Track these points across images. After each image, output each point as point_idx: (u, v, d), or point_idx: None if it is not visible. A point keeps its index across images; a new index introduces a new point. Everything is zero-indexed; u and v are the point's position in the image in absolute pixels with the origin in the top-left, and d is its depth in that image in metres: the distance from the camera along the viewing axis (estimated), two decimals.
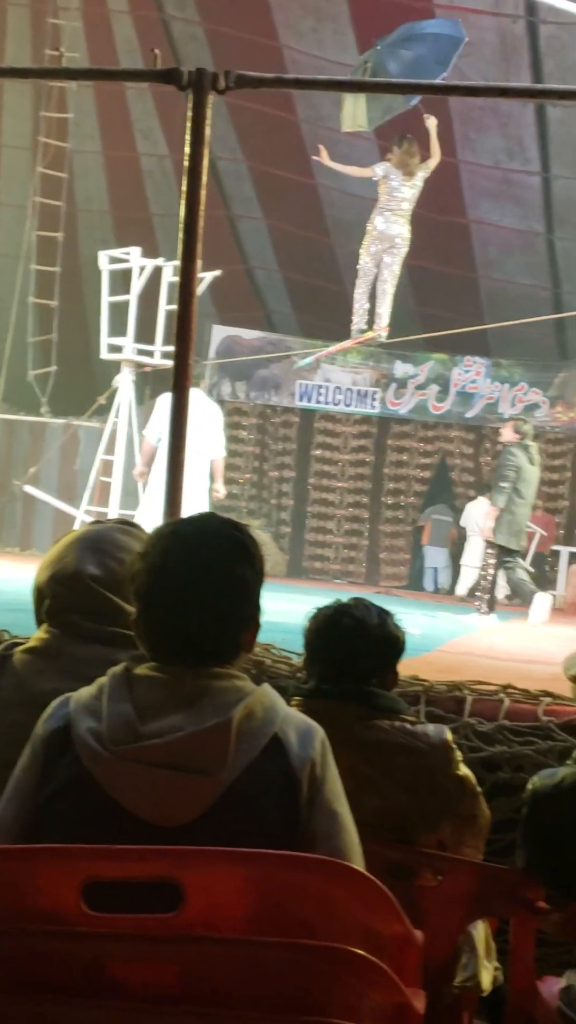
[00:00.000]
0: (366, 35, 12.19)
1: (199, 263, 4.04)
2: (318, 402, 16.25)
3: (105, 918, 1.53)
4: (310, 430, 16.53)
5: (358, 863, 1.76)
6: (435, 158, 9.95)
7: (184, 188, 3.84)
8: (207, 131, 3.92)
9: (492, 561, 9.55)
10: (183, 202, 3.86)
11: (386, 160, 10.00)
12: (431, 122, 9.82)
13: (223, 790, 1.66)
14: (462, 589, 14.66)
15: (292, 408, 16.45)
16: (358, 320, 10.36)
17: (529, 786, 2.49)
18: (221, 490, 9.16)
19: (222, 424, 9.28)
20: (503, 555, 9.41)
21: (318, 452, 16.52)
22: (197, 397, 9.02)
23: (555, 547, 15.21)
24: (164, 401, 8.82)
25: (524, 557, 9.96)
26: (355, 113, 8.95)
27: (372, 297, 10.57)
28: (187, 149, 3.85)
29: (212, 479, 9.01)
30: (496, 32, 11.94)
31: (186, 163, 3.85)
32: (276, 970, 1.51)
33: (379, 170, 9.92)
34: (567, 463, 15.89)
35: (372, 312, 10.56)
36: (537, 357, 15.62)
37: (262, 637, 4.17)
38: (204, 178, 3.87)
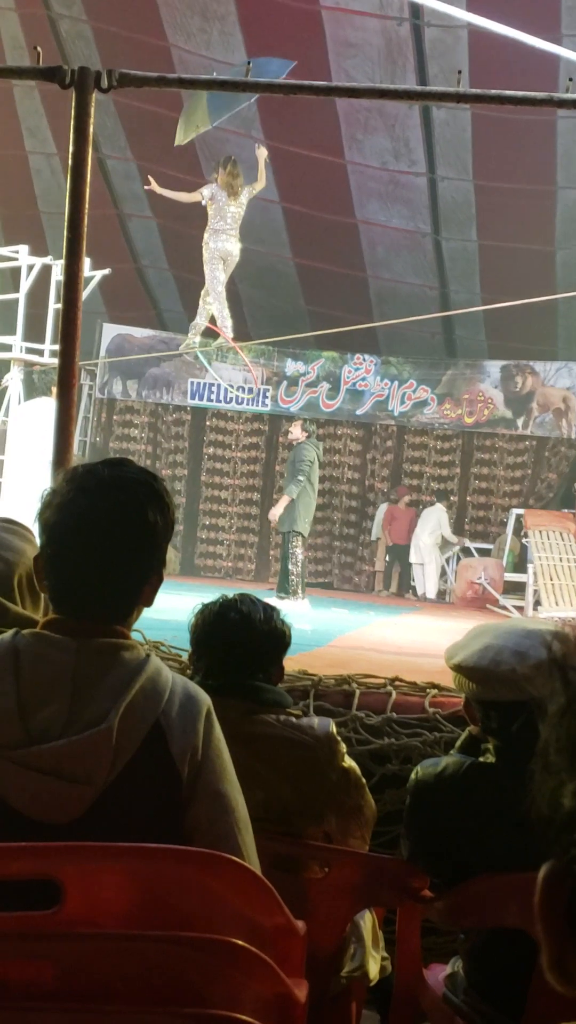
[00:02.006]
0: (254, 35, 12.26)
1: (87, 261, 4.02)
2: (209, 400, 16.25)
3: None
4: (202, 428, 16.52)
5: (247, 844, 1.76)
6: (260, 183, 10.58)
7: (68, 188, 3.82)
8: (91, 129, 3.90)
9: (297, 548, 10.37)
10: (67, 200, 3.84)
11: (211, 182, 10.48)
12: (261, 152, 10.53)
13: (102, 791, 1.68)
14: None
15: (184, 406, 16.42)
16: (199, 321, 11.11)
17: (412, 776, 2.52)
18: None
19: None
20: (298, 541, 10.36)
21: (210, 450, 16.53)
22: (43, 404, 9.48)
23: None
24: (19, 413, 9.40)
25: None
26: (187, 124, 9.19)
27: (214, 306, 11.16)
28: (71, 147, 3.83)
29: None
30: (381, 35, 12.07)
31: (70, 161, 3.83)
32: (156, 963, 1.52)
33: (206, 192, 10.45)
34: (455, 459, 16.16)
35: (200, 317, 11.30)
36: (425, 355, 15.86)
37: (152, 635, 4.18)
38: (88, 176, 3.85)
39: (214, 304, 10.89)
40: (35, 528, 1.90)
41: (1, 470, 11.19)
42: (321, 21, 12.04)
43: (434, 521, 15.16)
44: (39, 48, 4.04)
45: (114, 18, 12.98)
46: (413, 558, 15.10)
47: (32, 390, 13.29)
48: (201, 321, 11.22)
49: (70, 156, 3.84)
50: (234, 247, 10.50)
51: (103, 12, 13.03)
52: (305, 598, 10.35)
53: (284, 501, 10.44)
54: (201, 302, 11.13)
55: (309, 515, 10.55)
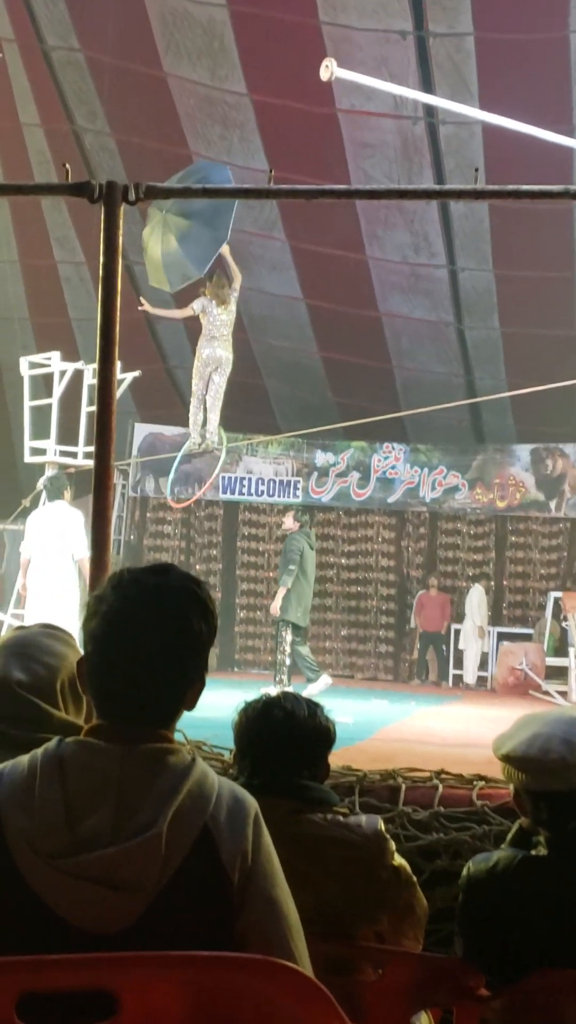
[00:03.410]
0: (272, 141, 12.62)
1: (118, 365, 4.11)
2: (241, 494, 16.36)
3: None
4: (235, 522, 16.60)
5: (299, 950, 1.74)
6: (237, 279, 10.88)
7: (100, 296, 3.92)
8: (120, 241, 4.02)
9: (287, 637, 10.61)
10: (100, 310, 3.94)
11: (201, 295, 10.81)
12: (224, 249, 10.54)
13: (152, 899, 1.67)
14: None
15: (216, 501, 16.53)
16: (194, 436, 11.29)
17: (464, 872, 2.49)
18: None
19: (83, 527, 9.93)
20: (294, 632, 10.64)
21: (244, 544, 16.58)
22: (58, 508, 9.82)
23: (456, 626, 15.39)
24: (33, 519, 10.13)
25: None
26: (158, 274, 9.49)
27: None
28: (101, 259, 3.94)
29: (85, 579, 9.69)
30: (397, 134, 12.39)
31: (101, 273, 3.94)
32: None
33: (197, 306, 10.80)
34: (489, 544, 16.13)
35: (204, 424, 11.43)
36: (454, 441, 15.95)
37: (193, 733, 4.17)
38: (119, 286, 3.95)
39: (192, 406, 11.21)
40: (79, 634, 1.93)
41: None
42: (338, 123, 12.37)
43: (470, 605, 15.10)
44: (67, 166, 4.18)
45: (137, 130, 13.41)
46: (461, 644, 15.05)
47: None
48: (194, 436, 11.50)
49: (100, 267, 3.94)
50: (225, 353, 10.86)
51: (126, 124, 13.46)
52: (289, 686, 10.40)
53: (281, 592, 10.69)
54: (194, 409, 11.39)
55: (303, 604, 10.82)
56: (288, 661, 10.73)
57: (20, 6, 12.85)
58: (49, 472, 11.67)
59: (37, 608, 9.95)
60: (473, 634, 14.92)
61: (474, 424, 15.98)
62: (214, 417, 11.05)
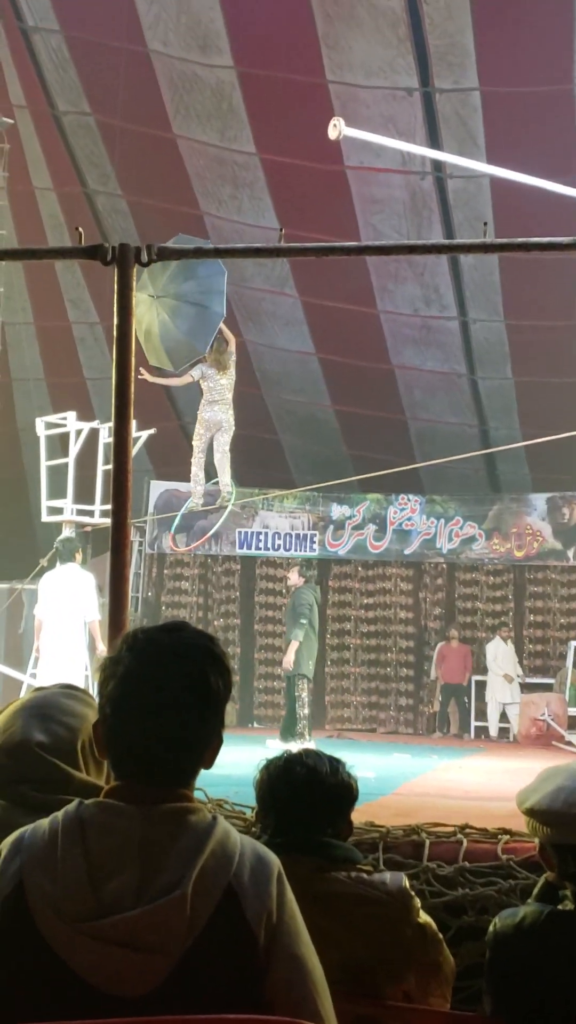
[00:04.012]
0: (282, 199, 12.79)
1: (133, 423, 4.15)
2: (258, 548, 16.37)
3: None
4: (252, 576, 16.59)
5: (326, 1009, 1.73)
6: (231, 342, 11.07)
7: (114, 358, 3.97)
8: (134, 302, 4.07)
9: (304, 689, 10.79)
10: (114, 370, 3.99)
11: (201, 362, 10.98)
12: None
13: (178, 961, 1.66)
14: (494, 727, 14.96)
15: (233, 556, 16.54)
16: (195, 496, 11.53)
17: (491, 928, 2.46)
18: (104, 649, 10.24)
19: (94, 589, 10.33)
20: (307, 683, 10.84)
21: (261, 598, 16.55)
22: (68, 570, 10.03)
23: (477, 677, 15.31)
24: (45, 581, 10.39)
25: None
26: (158, 354, 9.69)
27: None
28: (115, 320, 3.99)
29: (94, 641, 10.25)
30: (406, 189, 12.53)
31: (115, 334, 3.99)
32: None
33: (196, 373, 10.98)
34: (508, 594, 16.06)
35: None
36: (470, 491, 15.95)
37: (215, 791, 4.14)
38: (133, 347, 4.00)
39: (194, 467, 11.36)
40: (95, 695, 1.92)
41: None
42: (347, 180, 12.53)
43: (489, 656, 15.03)
44: (80, 229, 4.25)
45: (148, 191, 13.60)
46: (488, 696, 14.97)
47: (85, 552, 13.49)
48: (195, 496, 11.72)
49: (115, 329, 3.99)
50: (226, 416, 11.07)
51: (137, 186, 13.66)
52: (312, 740, 10.45)
53: (293, 647, 10.86)
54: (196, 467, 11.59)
55: (313, 658, 11.05)
56: (308, 713, 10.83)
57: (31, 73, 13.12)
58: (65, 533, 11.75)
59: (49, 670, 10.09)
60: (499, 684, 14.83)
61: (489, 474, 15.99)
62: (226, 477, 11.26)
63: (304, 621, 10.90)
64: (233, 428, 11.20)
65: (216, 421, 11.07)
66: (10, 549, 14.94)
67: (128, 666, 1.83)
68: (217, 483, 11.25)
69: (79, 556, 10.61)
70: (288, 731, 10.69)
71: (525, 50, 11.11)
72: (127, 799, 1.78)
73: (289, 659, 10.89)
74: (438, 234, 12.56)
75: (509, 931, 2.38)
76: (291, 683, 10.96)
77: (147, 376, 11.27)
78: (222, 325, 11.02)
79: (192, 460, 11.33)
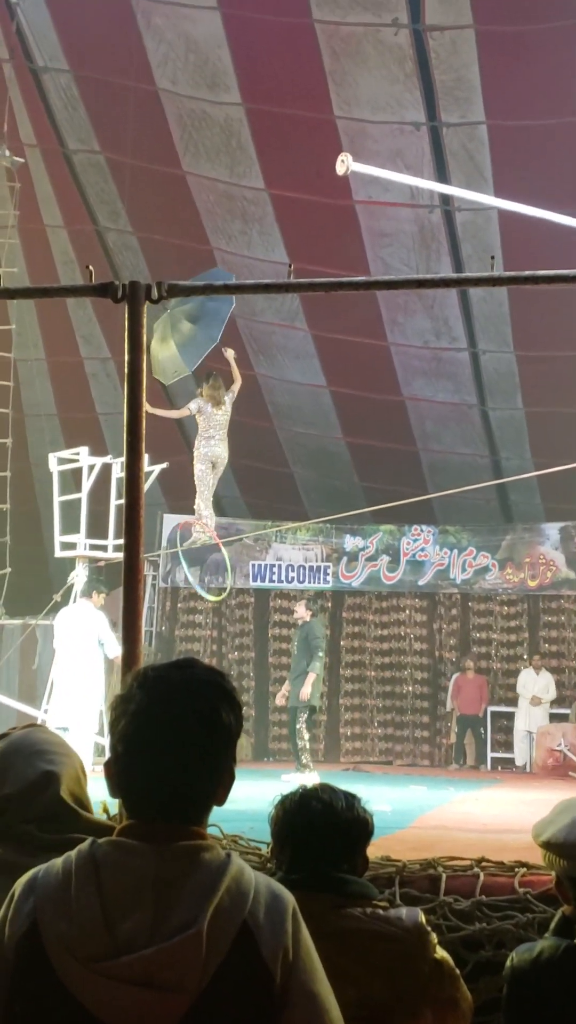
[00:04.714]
0: (291, 233, 12.88)
1: (145, 458, 4.18)
2: (271, 581, 16.36)
3: None
4: (266, 609, 16.57)
5: None
6: (237, 383, 11.43)
7: (126, 394, 3.99)
8: (144, 338, 4.10)
9: (303, 721, 11.04)
10: (126, 406, 4.01)
11: (198, 396, 11.41)
12: (229, 353, 11.26)
13: (195, 1000, 1.65)
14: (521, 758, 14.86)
15: (247, 589, 16.52)
16: (209, 530, 12.14)
17: (508, 963, 2.45)
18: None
19: (108, 626, 10.53)
20: (310, 714, 11.20)
21: (275, 631, 16.52)
22: (80, 608, 10.17)
23: (493, 708, 15.23)
24: (60, 617, 10.66)
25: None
26: (156, 366, 9.86)
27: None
28: (126, 356, 4.03)
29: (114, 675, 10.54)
30: (414, 222, 12.61)
31: (126, 370, 4.02)
32: None
33: (193, 406, 11.38)
34: (523, 624, 15.99)
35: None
36: (482, 522, 15.94)
37: (230, 827, 4.13)
38: (144, 383, 4.03)
39: (199, 501, 11.76)
40: (107, 730, 1.92)
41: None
42: (355, 214, 12.62)
43: (519, 685, 14.96)
44: (91, 267, 4.29)
45: (158, 227, 13.72)
46: (519, 724, 14.90)
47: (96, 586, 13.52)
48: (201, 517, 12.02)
49: (126, 365, 4.03)
50: (223, 451, 11.42)
51: (147, 223, 13.78)
52: (315, 771, 10.74)
53: (311, 679, 11.09)
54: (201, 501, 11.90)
55: (319, 689, 11.45)
56: (308, 745, 11.18)
57: (41, 112, 13.28)
58: (80, 569, 11.80)
59: (63, 705, 10.15)
60: (524, 712, 14.76)
61: (502, 504, 15.98)
62: (208, 511, 11.74)
63: (321, 654, 11.23)
64: (226, 463, 11.59)
65: (213, 455, 11.38)
66: (24, 585, 14.96)
67: (139, 703, 1.83)
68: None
69: (96, 597, 10.76)
70: (298, 762, 10.95)
71: (530, 83, 11.20)
72: (140, 837, 1.78)
73: (306, 691, 11.05)
74: (447, 266, 12.62)
75: (526, 966, 2.36)
76: (295, 714, 11.21)
77: (147, 407, 11.38)
78: (234, 365, 11.24)
79: (199, 496, 11.62)
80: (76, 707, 10.14)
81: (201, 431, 11.39)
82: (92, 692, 10.27)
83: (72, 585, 11.79)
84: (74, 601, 11.50)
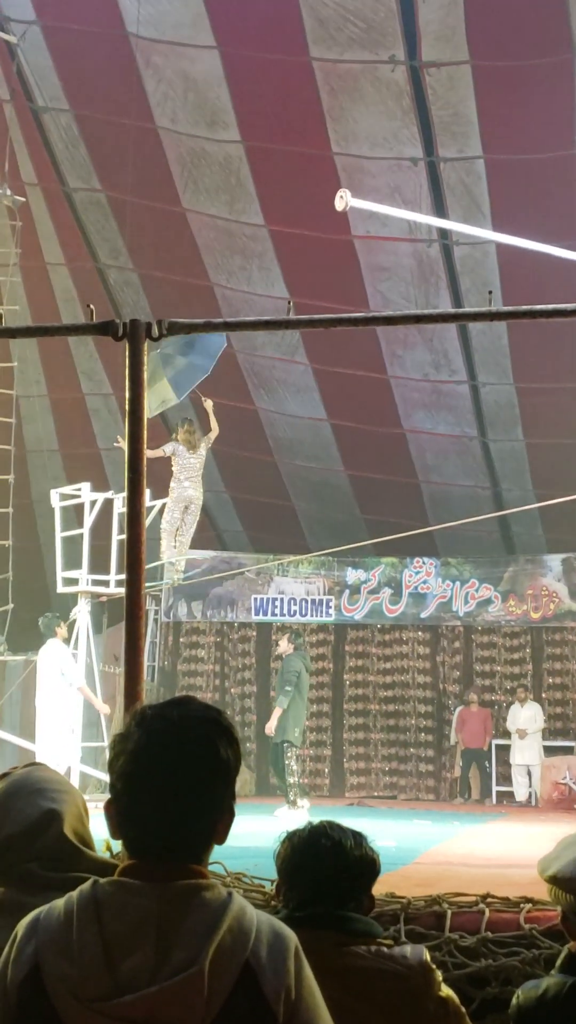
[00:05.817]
0: (290, 268, 12.96)
1: (147, 493, 4.19)
2: (274, 614, 16.32)
3: None
4: (268, 643, 16.52)
5: None
6: (214, 431, 11.80)
7: (126, 431, 4.01)
8: (145, 375, 4.13)
9: (291, 758, 11.01)
10: (127, 443, 4.03)
11: (173, 439, 11.78)
12: (207, 403, 11.66)
13: None
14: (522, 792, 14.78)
15: (249, 623, 16.48)
16: (177, 571, 12.49)
17: (514, 1000, 2.43)
18: (104, 707, 11.57)
19: (68, 657, 11.03)
20: (292, 752, 11.06)
21: (278, 664, 16.42)
22: (47, 646, 11.38)
23: (498, 741, 15.17)
24: (43, 652, 11.02)
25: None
26: (150, 398, 10.06)
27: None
28: (127, 394, 4.05)
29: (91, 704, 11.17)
30: (413, 256, 12.68)
31: (127, 407, 4.04)
32: None
33: (168, 448, 11.71)
34: (526, 656, 15.92)
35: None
36: (484, 553, 15.93)
37: (233, 864, 4.10)
38: (145, 419, 4.05)
39: (165, 541, 12.04)
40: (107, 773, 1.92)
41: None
42: (354, 249, 12.69)
43: (509, 720, 14.90)
44: (92, 306, 4.32)
45: (159, 264, 13.80)
46: (516, 759, 14.83)
47: (98, 622, 13.52)
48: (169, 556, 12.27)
49: (127, 402, 4.05)
50: (195, 493, 11.75)
51: (148, 260, 13.86)
52: (305, 807, 10.69)
53: (277, 713, 11.13)
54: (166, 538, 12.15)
55: (299, 724, 11.30)
56: (299, 781, 11.20)
57: (42, 151, 13.39)
58: (82, 604, 11.83)
59: (49, 742, 10.43)
60: (517, 746, 14.68)
61: (504, 536, 15.98)
62: (184, 550, 12.04)
63: (289, 688, 11.11)
64: (200, 505, 11.84)
65: (186, 497, 11.68)
66: (26, 621, 14.94)
67: (137, 742, 1.83)
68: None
69: (59, 631, 11.04)
70: (287, 798, 10.91)
71: (527, 117, 11.29)
72: (142, 877, 1.77)
73: (271, 725, 11.13)
74: (446, 300, 12.69)
75: (532, 1003, 2.35)
76: (276, 751, 11.17)
77: (123, 445, 11.48)
78: (212, 416, 11.45)
79: (162, 538, 11.90)
80: (63, 743, 10.62)
81: (175, 473, 11.69)
82: (63, 724, 10.70)
83: (74, 620, 11.79)
84: (86, 635, 11.75)
